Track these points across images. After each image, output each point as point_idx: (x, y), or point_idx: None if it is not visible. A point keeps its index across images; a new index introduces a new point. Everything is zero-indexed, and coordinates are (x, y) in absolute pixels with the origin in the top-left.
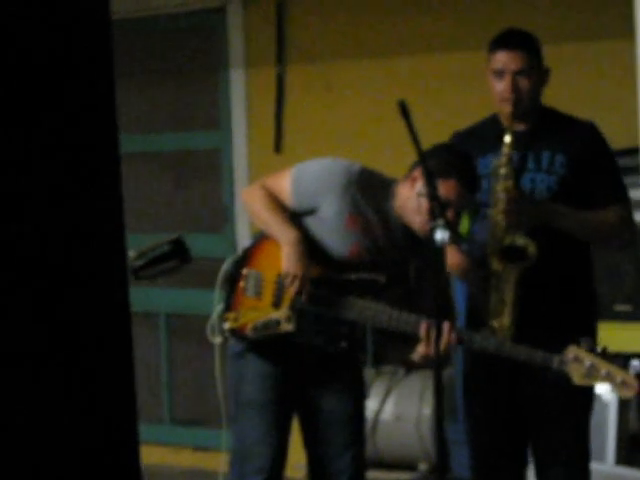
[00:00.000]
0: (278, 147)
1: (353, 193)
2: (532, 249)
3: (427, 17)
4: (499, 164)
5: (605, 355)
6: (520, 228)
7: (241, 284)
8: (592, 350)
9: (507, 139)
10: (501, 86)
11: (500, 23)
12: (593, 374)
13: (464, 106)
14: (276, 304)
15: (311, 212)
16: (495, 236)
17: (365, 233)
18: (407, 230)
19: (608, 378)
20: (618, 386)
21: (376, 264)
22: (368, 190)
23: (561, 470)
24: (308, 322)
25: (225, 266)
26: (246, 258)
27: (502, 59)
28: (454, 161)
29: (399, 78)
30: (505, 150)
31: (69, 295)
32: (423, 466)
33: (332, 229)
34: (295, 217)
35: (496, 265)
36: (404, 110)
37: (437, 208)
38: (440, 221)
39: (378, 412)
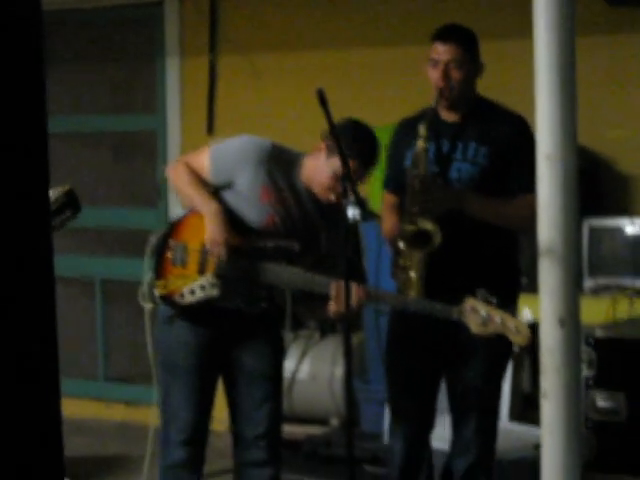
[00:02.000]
0: (210, 129)
1: (266, 166)
2: (437, 236)
3: (350, 12)
4: (416, 153)
5: (500, 305)
6: (430, 213)
7: (168, 254)
8: (487, 300)
9: (422, 130)
10: (435, 75)
11: (416, 21)
12: (488, 323)
13: (386, 96)
14: (201, 271)
15: (228, 186)
16: (405, 219)
17: (279, 204)
18: (316, 200)
19: (502, 325)
20: (512, 333)
21: (290, 233)
22: (279, 163)
23: (473, 420)
24: (230, 287)
25: (152, 238)
26: (172, 230)
27: (437, 50)
28: (353, 138)
29: (322, 68)
30: (420, 141)
31: None
32: (334, 421)
33: (248, 201)
34: (215, 191)
35: (403, 246)
36: (322, 98)
37: (348, 186)
38: (351, 198)
39: (295, 372)
